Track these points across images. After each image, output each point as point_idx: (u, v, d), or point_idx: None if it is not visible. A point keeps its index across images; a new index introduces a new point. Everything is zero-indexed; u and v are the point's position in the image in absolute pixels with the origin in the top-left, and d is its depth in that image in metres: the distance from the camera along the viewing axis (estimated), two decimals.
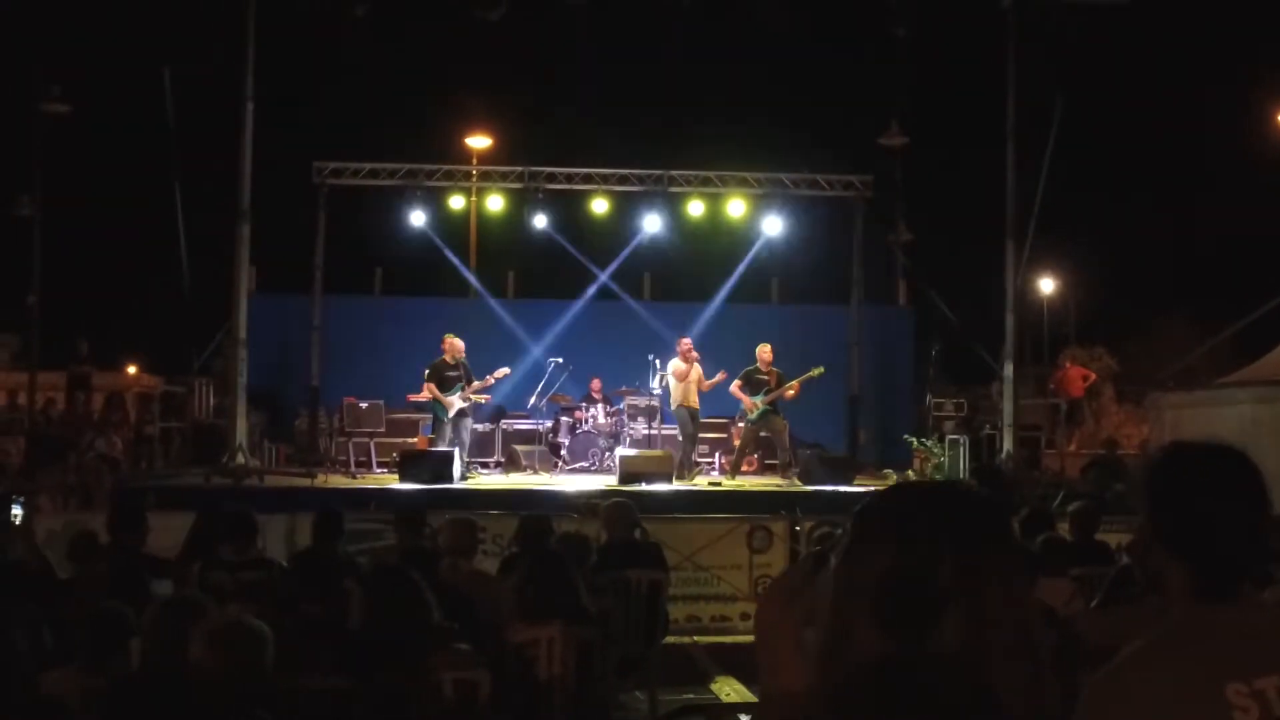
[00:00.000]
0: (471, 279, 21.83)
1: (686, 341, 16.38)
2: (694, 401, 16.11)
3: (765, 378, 15.89)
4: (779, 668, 1.63)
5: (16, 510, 10.88)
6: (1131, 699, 2.04)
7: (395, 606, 5.21)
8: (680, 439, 16.43)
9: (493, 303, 21.02)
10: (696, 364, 16.20)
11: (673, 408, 16.28)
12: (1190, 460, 2.26)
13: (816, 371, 15.97)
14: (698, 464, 16.74)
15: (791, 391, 15.83)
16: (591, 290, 21.17)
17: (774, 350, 16.21)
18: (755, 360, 16.02)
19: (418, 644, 5.08)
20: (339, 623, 5.54)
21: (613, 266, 21.09)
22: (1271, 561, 2.22)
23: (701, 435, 17.23)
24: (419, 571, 5.93)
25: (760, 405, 15.80)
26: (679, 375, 16.05)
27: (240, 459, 15.59)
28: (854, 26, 19.09)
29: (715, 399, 16.63)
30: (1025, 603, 1.56)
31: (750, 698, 9.09)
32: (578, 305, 20.82)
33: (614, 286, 21.24)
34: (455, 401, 15.36)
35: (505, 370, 15.83)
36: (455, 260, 21.14)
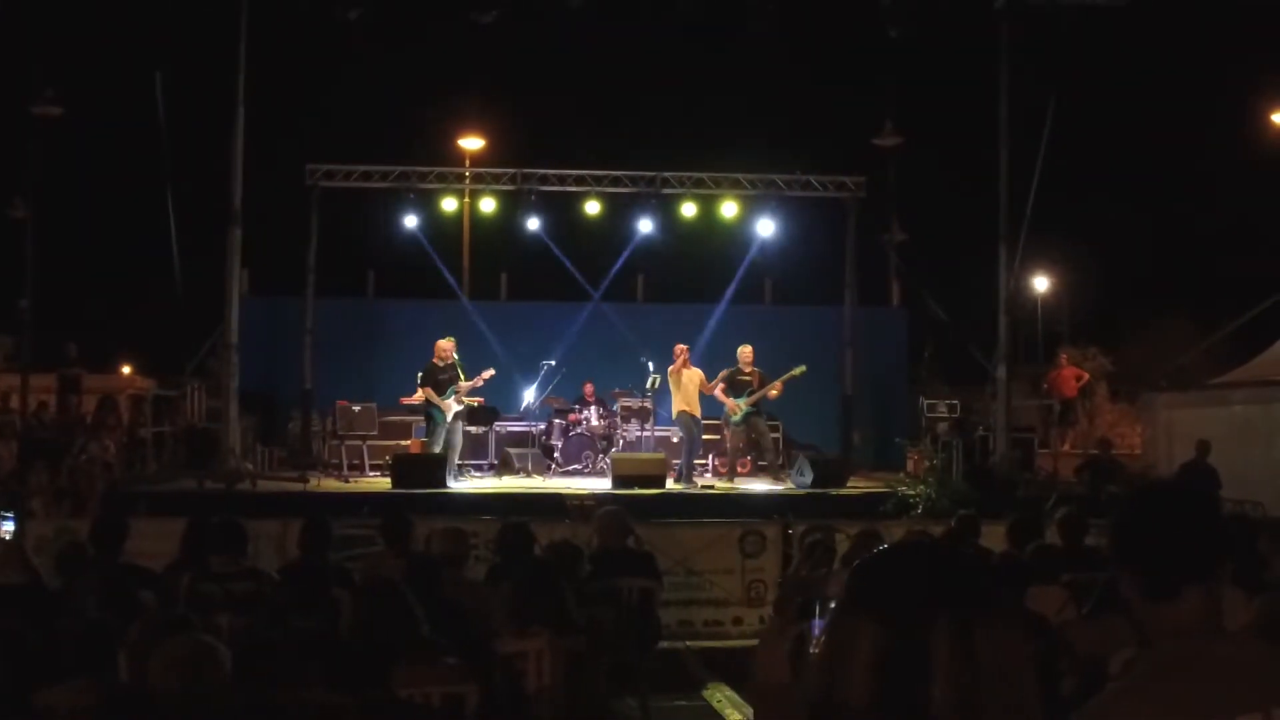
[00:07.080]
0: (463, 282, 21.77)
1: (679, 347, 16.16)
2: (694, 407, 15.97)
3: (748, 378, 15.86)
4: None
5: (9, 526, 10.81)
6: None
7: (382, 619, 5.20)
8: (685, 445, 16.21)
9: (485, 306, 20.93)
10: (689, 368, 15.99)
11: (674, 414, 16.19)
12: (1150, 492, 2.47)
13: (798, 371, 15.92)
14: (694, 468, 16.63)
15: (774, 392, 15.79)
16: (584, 292, 21.06)
17: (768, 351, 16.17)
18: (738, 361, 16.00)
19: (403, 657, 5.06)
20: (329, 635, 5.53)
21: (609, 273, 20.95)
22: (1216, 567, 2.25)
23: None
24: (420, 583, 5.92)
25: (743, 407, 15.76)
26: (674, 381, 15.93)
27: (233, 463, 15.55)
28: (847, 27, 19.07)
29: (710, 401, 16.54)
30: (1018, 662, 1.58)
31: (742, 704, 9.08)
32: (570, 308, 20.72)
33: (609, 289, 21.14)
34: (451, 404, 15.37)
35: (491, 371, 15.77)
36: (444, 265, 20.89)
